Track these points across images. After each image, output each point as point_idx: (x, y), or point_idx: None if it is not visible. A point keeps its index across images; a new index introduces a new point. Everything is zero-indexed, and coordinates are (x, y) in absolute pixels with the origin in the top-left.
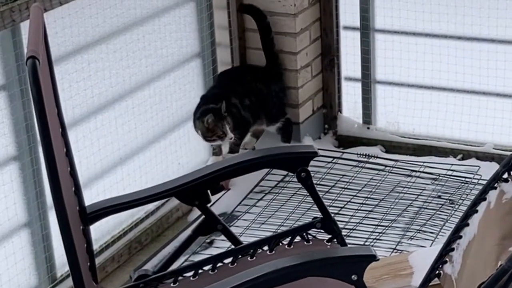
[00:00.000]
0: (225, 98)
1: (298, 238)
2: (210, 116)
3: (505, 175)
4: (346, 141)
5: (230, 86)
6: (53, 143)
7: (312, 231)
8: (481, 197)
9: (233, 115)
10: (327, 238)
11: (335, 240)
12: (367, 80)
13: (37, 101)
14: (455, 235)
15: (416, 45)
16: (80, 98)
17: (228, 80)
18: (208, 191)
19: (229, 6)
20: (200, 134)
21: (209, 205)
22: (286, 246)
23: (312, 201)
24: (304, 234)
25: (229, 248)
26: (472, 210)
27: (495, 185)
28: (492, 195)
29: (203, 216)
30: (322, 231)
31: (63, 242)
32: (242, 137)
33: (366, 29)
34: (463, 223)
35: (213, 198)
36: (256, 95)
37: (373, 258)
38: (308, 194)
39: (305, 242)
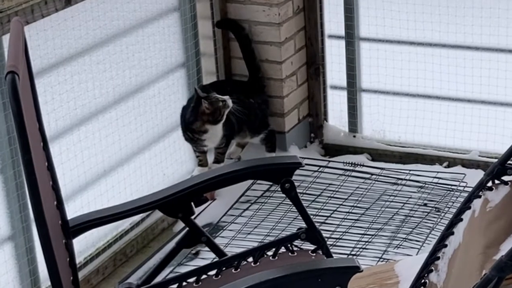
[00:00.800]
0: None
1: (283, 249)
2: (203, 101)
3: (489, 184)
4: (332, 150)
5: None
6: (34, 158)
7: (297, 242)
8: (466, 205)
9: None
10: (312, 249)
11: (320, 250)
12: (352, 89)
13: (17, 116)
14: (440, 243)
15: (401, 53)
16: (63, 110)
17: (213, 86)
18: (192, 203)
19: (213, 16)
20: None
21: (194, 216)
22: (270, 258)
23: None
24: (289, 245)
25: (214, 260)
26: (457, 218)
27: (480, 193)
28: (477, 203)
29: (187, 228)
30: (307, 241)
31: (44, 257)
32: (228, 144)
33: (351, 37)
34: (448, 231)
35: (198, 209)
36: (240, 105)
37: (356, 269)
38: None
39: (289, 253)
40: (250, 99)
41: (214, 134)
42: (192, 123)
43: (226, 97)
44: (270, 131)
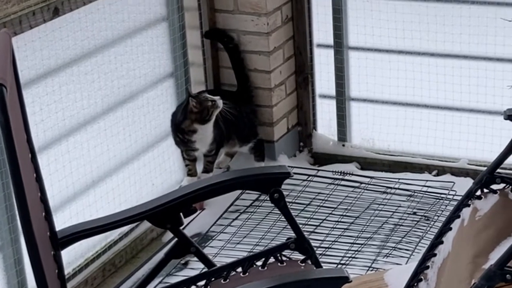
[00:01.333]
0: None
1: (272, 259)
2: (190, 99)
3: (478, 192)
4: (321, 159)
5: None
6: (22, 169)
7: (286, 252)
8: (455, 214)
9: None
10: (301, 259)
11: (309, 260)
12: (341, 98)
13: (4, 128)
14: (430, 253)
15: (390, 62)
16: (51, 121)
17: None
18: (181, 213)
19: (202, 26)
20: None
21: (182, 226)
22: (260, 268)
23: None
24: (278, 255)
25: (203, 271)
26: (446, 227)
27: (469, 202)
28: (466, 212)
29: (176, 239)
30: (296, 251)
31: (32, 269)
32: (217, 152)
33: (339, 46)
34: (438, 240)
35: (187, 219)
36: (228, 113)
37: (345, 279)
38: None
39: (279, 263)
40: (239, 108)
41: (204, 135)
42: (182, 122)
43: (217, 98)
44: (259, 140)
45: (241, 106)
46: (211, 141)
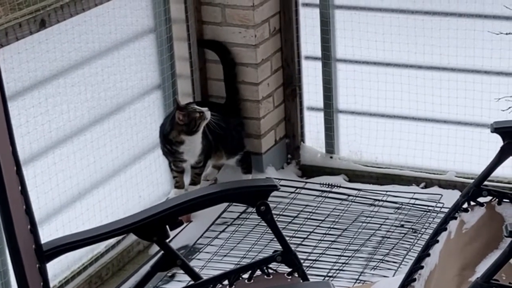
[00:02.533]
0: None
1: (258, 272)
2: (177, 112)
3: (465, 205)
4: (309, 171)
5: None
6: (7, 182)
7: (273, 265)
8: (442, 227)
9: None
10: (287, 272)
11: (296, 273)
12: (329, 110)
13: None
14: (417, 265)
15: (377, 74)
16: (37, 133)
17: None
18: (167, 226)
19: (190, 37)
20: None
21: (169, 239)
22: (246, 281)
23: None
24: (265, 268)
25: (189, 283)
26: (433, 240)
27: (456, 215)
28: (453, 225)
29: (162, 252)
30: (283, 264)
31: (16, 282)
32: (205, 163)
33: (327, 59)
34: (425, 253)
35: (174, 232)
36: (215, 125)
37: None
38: None
39: (265, 276)
40: (227, 120)
41: (192, 146)
42: (169, 133)
43: (205, 109)
44: (246, 152)
45: (229, 119)
46: (200, 152)
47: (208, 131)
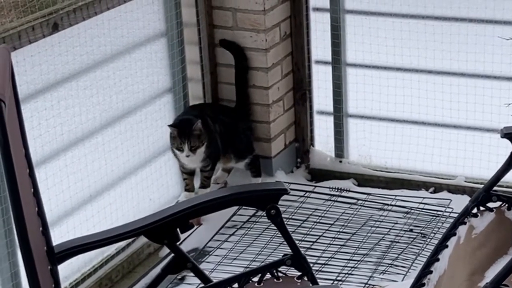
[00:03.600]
0: (200, 116)
1: (268, 275)
2: (174, 130)
3: (475, 210)
4: (318, 175)
5: (202, 112)
6: (20, 184)
7: (282, 268)
8: (451, 232)
9: (209, 133)
10: (297, 275)
11: (305, 277)
12: (339, 114)
13: (3, 143)
14: (426, 270)
15: (387, 79)
16: (50, 135)
17: (199, 108)
18: (177, 229)
19: (201, 41)
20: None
21: (179, 242)
22: (256, 284)
23: None
24: (274, 271)
25: (199, 286)
26: (442, 245)
27: (465, 220)
28: (462, 230)
29: (173, 254)
30: (292, 268)
31: (28, 284)
32: (213, 167)
33: (337, 63)
34: (434, 258)
35: (185, 235)
36: (225, 128)
37: None
38: None
39: (275, 280)
40: (236, 124)
41: (189, 157)
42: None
43: (186, 150)
44: (255, 156)
45: (238, 122)
46: (202, 159)
47: (217, 135)
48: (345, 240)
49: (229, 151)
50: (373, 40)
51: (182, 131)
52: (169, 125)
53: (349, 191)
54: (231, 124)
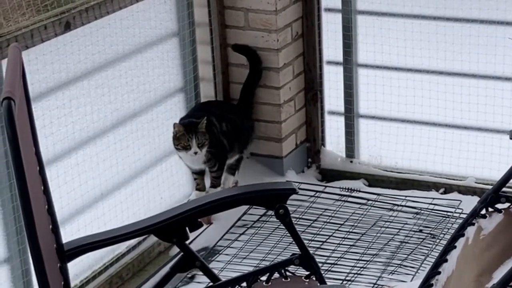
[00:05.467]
0: (206, 118)
1: (276, 275)
2: (178, 125)
3: (483, 211)
4: (329, 175)
5: (209, 110)
6: (30, 182)
7: (291, 268)
8: (460, 233)
9: (213, 135)
10: (305, 275)
11: (313, 276)
12: (350, 114)
13: (12, 141)
14: (434, 270)
15: (399, 79)
16: (61, 134)
17: (206, 108)
18: (187, 228)
19: (213, 41)
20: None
21: (188, 241)
22: (264, 283)
23: None
24: (283, 270)
25: (208, 285)
26: (450, 246)
27: (473, 221)
28: (470, 231)
29: (182, 253)
30: (301, 267)
31: (37, 281)
32: (221, 167)
33: (349, 64)
34: (442, 258)
35: (195, 233)
36: (232, 126)
37: None
38: None
39: (283, 279)
40: (241, 121)
41: (189, 157)
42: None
43: (194, 147)
44: (241, 156)
45: (243, 120)
46: (203, 161)
47: (221, 136)
48: (354, 240)
49: (235, 148)
50: (385, 40)
51: (189, 128)
52: (176, 123)
53: (360, 191)
54: (237, 122)
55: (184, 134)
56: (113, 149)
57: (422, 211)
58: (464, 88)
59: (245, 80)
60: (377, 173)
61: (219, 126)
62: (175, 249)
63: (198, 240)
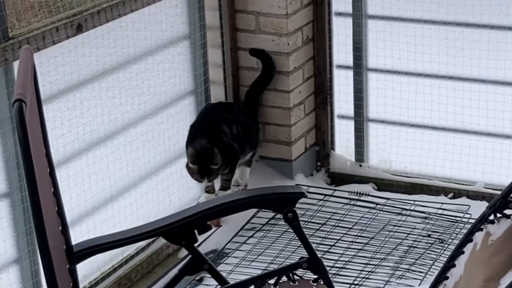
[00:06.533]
0: (215, 126)
1: (284, 278)
2: (193, 167)
3: (491, 217)
4: (338, 179)
5: (219, 114)
6: (40, 183)
7: (299, 271)
8: (468, 238)
9: (223, 144)
10: (313, 278)
11: (321, 280)
12: (359, 118)
13: (23, 143)
14: (442, 275)
15: (408, 84)
16: (72, 135)
17: (216, 110)
18: (195, 230)
19: (224, 44)
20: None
21: (197, 243)
22: (272, 286)
23: None
24: (290, 274)
25: None
26: (458, 251)
27: (482, 226)
28: (479, 236)
29: (190, 256)
30: (308, 271)
31: (46, 282)
32: (232, 170)
33: (359, 68)
34: (450, 264)
35: (203, 236)
36: (242, 128)
37: None
38: None
39: (291, 283)
40: (251, 121)
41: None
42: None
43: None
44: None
45: (252, 121)
46: (211, 183)
47: (233, 141)
48: (363, 244)
49: (246, 149)
50: (395, 45)
51: (203, 169)
52: (192, 167)
53: (368, 195)
54: (248, 123)
55: (198, 175)
56: (123, 151)
57: (431, 216)
58: (474, 94)
59: (253, 82)
60: (386, 177)
61: (229, 132)
62: (184, 252)
63: (207, 242)
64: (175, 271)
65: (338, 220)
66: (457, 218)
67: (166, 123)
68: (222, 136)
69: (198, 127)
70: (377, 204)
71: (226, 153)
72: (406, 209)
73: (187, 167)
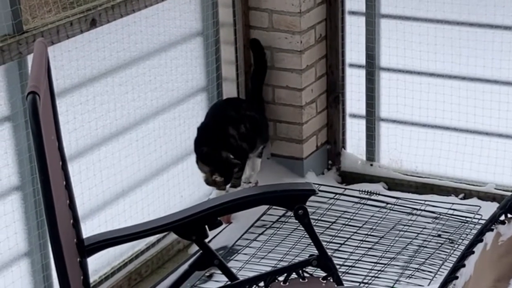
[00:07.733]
0: (222, 129)
1: (294, 275)
2: (205, 175)
3: (502, 217)
4: (349, 178)
5: (226, 116)
6: (52, 176)
7: (309, 269)
8: (478, 238)
9: (232, 147)
10: (322, 276)
11: (330, 278)
12: (371, 118)
13: (36, 136)
14: (452, 275)
15: (421, 84)
16: (84, 130)
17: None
18: (206, 226)
19: (237, 41)
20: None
21: (207, 239)
22: (281, 283)
23: None
24: (300, 271)
25: (226, 284)
26: (468, 251)
27: (492, 227)
28: (489, 236)
29: (200, 251)
30: (318, 268)
31: (57, 275)
32: (242, 168)
33: (371, 67)
34: (460, 263)
35: (214, 232)
36: (251, 124)
37: None
38: None
39: (300, 280)
40: (260, 115)
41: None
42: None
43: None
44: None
45: (260, 115)
46: (226, 187)
47: (241, 141)
48: (373, 243)
49: (257, 144)
50: (408, 45)
51: (227, 178)
52: (216, 178)
53: (379, 194)
54: (257, 117)
55: (210, 182)
56: (135, 146)
57: (441, 216)
58: (486, 94)
59: (250, 78)
60: (397, 176)
61: (237, 132)
62: (194, 247)
63: (217, 239)
64: (185, 266)
65: (348, 218)
66: (468, 219)
67: (178, 119)
68: (230, 140)
69: (205, 134)
70: (387, 203)
71: (235, 152)
72: (417, 209)
73: (206, 178)
